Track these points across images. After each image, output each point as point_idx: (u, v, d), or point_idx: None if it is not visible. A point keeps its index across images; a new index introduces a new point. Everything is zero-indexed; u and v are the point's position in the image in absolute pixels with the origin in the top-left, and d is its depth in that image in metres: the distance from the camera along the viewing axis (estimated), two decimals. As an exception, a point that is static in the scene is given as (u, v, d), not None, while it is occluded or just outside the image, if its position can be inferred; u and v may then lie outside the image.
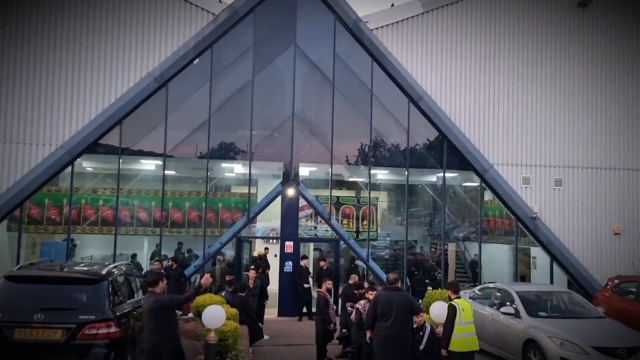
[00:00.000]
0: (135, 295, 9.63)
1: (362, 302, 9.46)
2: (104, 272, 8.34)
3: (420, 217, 22.07)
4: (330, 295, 10.68)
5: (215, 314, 8.41)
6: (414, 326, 8.72)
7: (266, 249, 18.38)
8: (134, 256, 17.57)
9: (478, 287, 12.63)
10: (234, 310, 10.75)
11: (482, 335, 9.94)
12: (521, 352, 9.48)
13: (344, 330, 10.38)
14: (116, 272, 8.80)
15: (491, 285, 11.30)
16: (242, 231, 16.30)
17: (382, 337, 7.64)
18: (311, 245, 19.87)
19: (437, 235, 21.45)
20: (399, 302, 7.56)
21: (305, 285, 14.70)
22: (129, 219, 16.62)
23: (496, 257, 18.58)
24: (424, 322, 8.98)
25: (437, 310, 8.87)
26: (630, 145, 17.52)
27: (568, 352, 8.65)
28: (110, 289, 8.11)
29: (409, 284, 16.75)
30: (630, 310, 11.02)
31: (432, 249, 21.41)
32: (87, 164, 16.73)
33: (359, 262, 15.78)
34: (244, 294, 11.64)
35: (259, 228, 17.29)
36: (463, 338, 7.68)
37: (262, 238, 18.16)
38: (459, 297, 8.10)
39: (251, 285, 12.19)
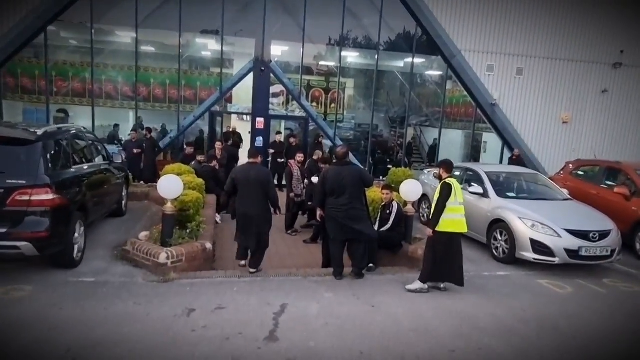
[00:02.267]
0: (93, 160, 7.61)
1: None
2: (39, 132, 5.99)
3: (383, 105, 20.79)
4: (305, 169, 9.23)
5: (171, 184, 6.54)
6: (382, 204, 7.18)
7: (229, 127, 16.39)
8: (115, 126, 15.97)
9: None
10: (200, 181, 8.99)
11: None
12: (486, 231, 7.76)
13: (309, 203, 8.95)
14: (58, 134, 6.46)
15: (461, 165, 9.32)
16: (217, 108, 14.60)
17: (334, 214, 6.10)
18: (283, 125, 18.35)
19: (396, 120, 20.45)
20: (350, 177, 6.02)
21: (279, 160, 13.08)
22: (113, 92, 14.87)
23: (450, 141, 17.42)
24: (392, 200, 7.34)
25: (409, 189, 7.22)
26: (587, 37, 15.36)
27: (539, 234, 7.00)
28: (48, 151, 5.99)
29: (371, 162, 15.64)
30: (591, 193, 9.31)
31: (392, 133, 20.40)
32: (62, 33, 14.33)
33: (323, 140, 14.25)
34: (211, 164, 9.92)
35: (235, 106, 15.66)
36: (456, 219, 5.84)
37: (233, 113, 16.63)
38: (452, 177, 6.17)
39: (218, 157, 10.48)
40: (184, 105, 15.74)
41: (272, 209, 6.22)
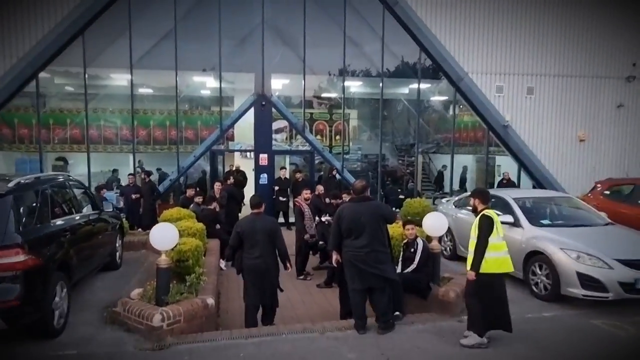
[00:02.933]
0: (80, 211, 6.84)
1: None
2: (11, 184, 5.19)
3: (389, 133, 20.49)
4: (310, 206, 8.65)
5: (165, 233, 5.73)
6: (405, 241, 6.40)
7: (231, 165, 15.93)
8: (114, 171, 15.58)
9: (464, 195, 10.15)
10: (200, 226, 8.33)
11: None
12: (522, 264, 6.98)
13: (320, 243, 8.35)
14: (35, 184, 5.66)
15: None
16: (223, 146, 14.41)
17: (352, 258, 5.37)
18: (287, 160, 17.79)
19: (404, 149, 20.08)
20: (369, 214, 5.33)
21: (282, 199, 12.61)
22: (111, 136, 14.45)
23: (460, 167, 16.68)
24: (416, 236, 6.50)
25: (433, 223, 6.39)
26: (597, 52, 14.72)
27: (587, 266, 6.06)
28: (21, 205, 5.22)
29: (382, 193, 14.85)
30: (625, 214, 8.44)
31: (400, 162, 19.88)
32: (56, 80, 13.93)
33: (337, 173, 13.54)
34: (210, 206, 9.37)
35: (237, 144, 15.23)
36: (500, 258, 5.01)
37: (235, 151, 15.92)
38: (487, 208, 5.29)
39: (217, 196, 10.03)
40: (184, 146, 15.24)
41: (282, 264, 5.89)
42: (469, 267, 5.15)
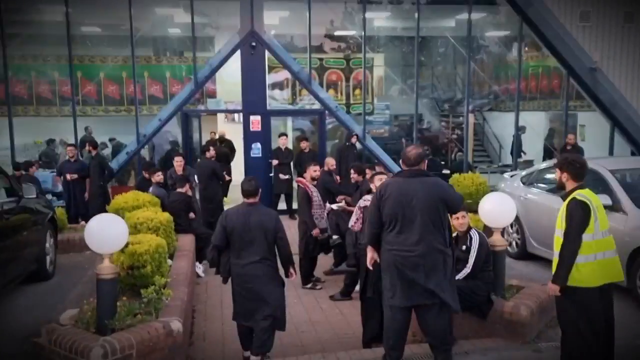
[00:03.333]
0: None
1: (368, 197, 6.55)
2: None
3: (427, 86, 20.67)
4: (319, 187, 8.58)
5: (108, 229, 5.36)
6: (451, 235, 5.69)
7: (213, 133, 16.15)
8: (50, 142, 15.69)
9: (534, 168, 9.90)
10: (165, 217, 8.07)
11: (550, 240, 7.78)
12: (625, 265, 6.61)
13: (334, 237, 8.28)
14: None
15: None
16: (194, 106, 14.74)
17: (396, 260, 5.02)
18: (289, 123, 17.68)
19: (449, 106, 20.17)
20: (425, 196, 4.99)
21: (283, 177, 12.60)
22: (47, 94, 14.70)
23: (528, 128, 16.35)
24: (469, 228, 6.21)
25: (495, 208, 6.04)
26: None
27: None
28: None
29: None
30: None
31: (443, 124, 19.92)
32: None
33: (357, 141, 13.36)
34: (182, 189, 9.10)
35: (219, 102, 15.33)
36: (603, 261, 4.56)
37: (215, 112, 16.08)
38: (582, 187, 4.72)
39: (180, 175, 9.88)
40: (148, 107, 15.47)
41: (286, 271, 5.97)
42: (553, 277, 4.67)
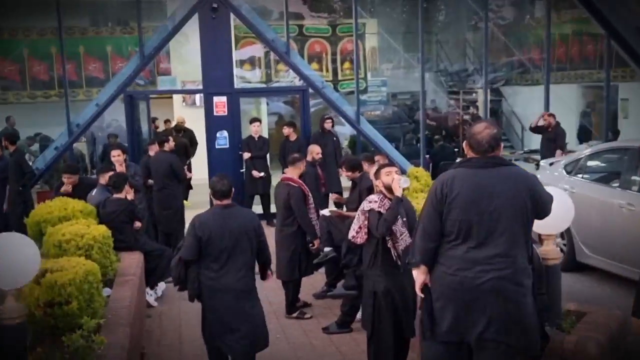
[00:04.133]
0: None
1: (373, 197, 6.21)
2: None
3: (431, 57, 20.97)
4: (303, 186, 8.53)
5: (11, 254, 4.89)
6: (532, 248, 5.51)
7: (168, 121, 16.24)
8: None
9: (583, 152, 9.64)
10: (101, 230, 7.61)
11: (609, 245, 8.27)
12: None
13: (326, 250, 8.05)
14: None
15: (617, 144, 8.58)
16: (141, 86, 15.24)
17: (459, 284, 4.63)
18: (263, 107, 17.68)
19: (458, 80, 20.65)
20: (509, 194, 4.64)
21: (257, 174, 12.38)
22: None
23: (556, 104, 16.22)
24: None
25: (556, 210, 5.33)
26: None
27: None
28: None
29: (427, 156, 14.71)
30: None
31: (452, 101, 20.31)
32: None
33: (335, 125, 13.40)
34: (120, 194, 8.69)
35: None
36: None
37: (168, 93, 16.16)
38: None
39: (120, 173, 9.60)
40: (84, 90, 15.50)
41: (262, 272, 6.35)
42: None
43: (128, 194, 8.82)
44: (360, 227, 6.14)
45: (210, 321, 6.03)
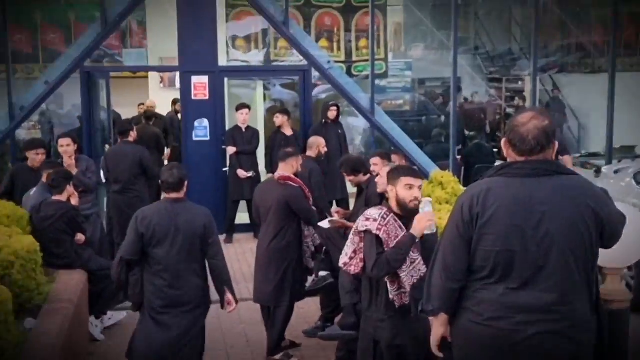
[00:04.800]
0: None
1: (373, 212, 5.73)
2: None
3: (467, 38, 21.30)
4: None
5: None
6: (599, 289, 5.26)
7: (141, 105, 16.53)
8: None
9: None
10: (25, 243, 7.37)
11: None
12: None
13: (322, 274, 8.12)
14: None
15: None
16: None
17: (494, 339, 4.31)
18: (258, 91, 17.52)
19: (500, 65, 20.80)
20: (564, 214, 4.22)
21: (243, 173, 12.17)
22: None
23: (622, 97, 15.98)
24: None
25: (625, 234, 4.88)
26: None
27: None
28: None
29: (458, 156, 14.40)
30: None
31: (494, 90, 20.51)
32: None
33: (339, 114, 13.41)
34: (59, 196, 8.48)
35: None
36: None
37: (132, 69, 16.60)
38: None
39: (74, 172, 9.42)
40: (44, 66, 15.42)
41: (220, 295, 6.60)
42: None
43: (71, 196, 8.60)
44: (355, 252, 5.73)
45: (137, 332, 6.29)
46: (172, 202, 6.33)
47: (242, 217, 12.31)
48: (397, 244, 5.31)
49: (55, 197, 8.38)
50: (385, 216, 5.43)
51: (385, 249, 5.33)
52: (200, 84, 12.71)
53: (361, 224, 5.61)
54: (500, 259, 4.20)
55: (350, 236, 5.81)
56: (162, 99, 16.51)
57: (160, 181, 6.44)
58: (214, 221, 6.46)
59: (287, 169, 8.08)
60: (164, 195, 6.49)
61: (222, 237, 11.63)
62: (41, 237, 7.79)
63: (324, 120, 12.82)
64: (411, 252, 5.42)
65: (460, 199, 4.53)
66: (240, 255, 11.68)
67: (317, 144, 10.32)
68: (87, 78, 12.83)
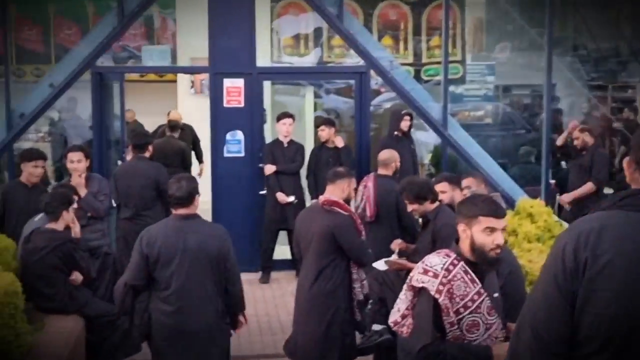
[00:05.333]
0: None
1: (436, 261, 5.36)
2: None
3: (567, 37, 21.21)
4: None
5: None
6: None
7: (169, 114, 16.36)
8: None
9: None
10: (6, 281, 7.35)
11: None
12: None
13: (377, 328, 7.96)
14: None
15: None
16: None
17: None
18: (308, 98, 17.34)
19: (605, 69, 20.53)
20: None
21: (283, 198, 12.00)
22: None
23: None
24: None
25: None
26: None
27: None
28: None
29: (551, 181, 13.85)
30: None
31: (596, 101, 19.79)
32: None
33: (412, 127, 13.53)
34: (56, 224, 8.46)
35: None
36: None
37: (149, 71, 16.00)
38: None
39: (83, 194, 9.62)
40: (33, 67, 15.90)
41: (232, 319, 6.94)
42: None
43: (70, 224, 8.51)
44: (408, 310, 5.28)
45: None
46: (181, 219, 6.54)
47: (282, 251, 12.13)
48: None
49: (49, 226, 8.26)
50: (450, 268, 4.96)
51: (446, 318, 4.86)
52: (234, 89, 12.58)
53: (418, 276, 5.16)
54: (616, 329, 3.76)
55: (405, 287, 5.38)
56: (191, 107, 16.51)
57: (168, 194, 6.67)
58: (230, 241, 6.62)
59: (335, 192, 7.80)
60: (172, 212, 6.73)
61: (256, 276, 11.97)
62: (29, 274, 7.76)
63: (395, 133, 12.61)
64: (487, 314, 4.96)
65: (562, 239, 4.04)
66: (279, 300, 11.47)
67: (395, 159, 10.00)
68: (99, 80, 12.76)
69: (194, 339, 6.49)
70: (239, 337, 7.66)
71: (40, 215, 8.85)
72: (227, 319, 6.90)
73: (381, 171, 9.97)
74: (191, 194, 6.53)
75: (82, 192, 9.49)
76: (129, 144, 11.34)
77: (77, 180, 9.63)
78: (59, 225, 8.31)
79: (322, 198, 8.14)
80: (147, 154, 10.66)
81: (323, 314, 7.68)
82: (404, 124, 12.64)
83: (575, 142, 12.88)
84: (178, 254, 6.42)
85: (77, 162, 9.76)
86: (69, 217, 8.47)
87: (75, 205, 8.82)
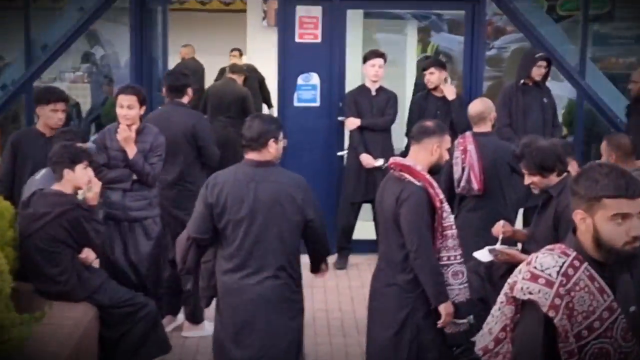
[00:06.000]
0: None
1: (550, 262, 4.81)
2: None
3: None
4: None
5: None
6: None
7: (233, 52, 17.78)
8: None
9: None
10: None
11: None
12: None
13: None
14: None
15: None
16: None
17: None
18: (410, 34, 17.60)
19: None
20: None
21: (369, 161, 12.02)
22: None
23: None
24: None
25: None
26: None
27: None
28: None
29: None
30: None
31: None
32: None
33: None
34: (62, 186, 8.30)
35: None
36: None
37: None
38: None
39: (132, 152, 9.45)
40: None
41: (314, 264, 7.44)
42: None
43: (82, 185, 8.25)
44: (505, 332, 4.74)
45: (221, 337, 6.81)
46: (253, 165, 6.73)
47: (365, 228, 11.87)
48: None
49: (55, 187, 8.09)
50: (570, 272, 4.27)
51: (563, 345, 4.24)
52: (309, 20, 12.54)
53: (522, 283, 4.49)
54: None
55: (500, 298, 4.74)
56: (263, 43, 16.34)
57: (244, 136, 6.81)
58: (311, 192, 6.79)
59: (420, 154, 7.32)
60: (245, 157, 6.88)
61: (331, 260, 11.33)
62: (27, 247, 7.75)
63: (522, 82, 12.11)
64: (620, 339, 4.35)
65: None
66: (356, 291, 11.39)
67: (492, 110, 9.66)
68: (139, 7, 12.63)
69: (263, 308, 6.66)
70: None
71: (43, 171, 8.81)
72: (301, 288, 7.03)
73: (478, 128, 9.62)
74: (262, 136, 6.66)
75: (131, 149, 9.30)
76: (164, 85, 11.07)
77: (125, 133, 9.35)
78: (65, 187, 8.10)
79: (391, 160, 7.69)
80: (185, 99, 10.45)
81: (394, 313, 7.28)
82: (537, 72, 11.99)
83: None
84: (247, 206, 6.61)
85: (127, 108, 9.45)
86: (75, 177, 8.16)
87: (85, 163, 8.39)
